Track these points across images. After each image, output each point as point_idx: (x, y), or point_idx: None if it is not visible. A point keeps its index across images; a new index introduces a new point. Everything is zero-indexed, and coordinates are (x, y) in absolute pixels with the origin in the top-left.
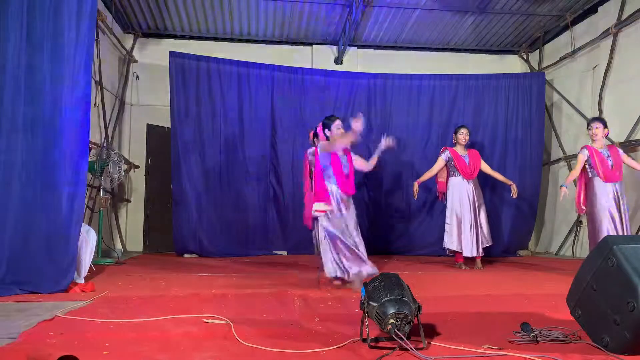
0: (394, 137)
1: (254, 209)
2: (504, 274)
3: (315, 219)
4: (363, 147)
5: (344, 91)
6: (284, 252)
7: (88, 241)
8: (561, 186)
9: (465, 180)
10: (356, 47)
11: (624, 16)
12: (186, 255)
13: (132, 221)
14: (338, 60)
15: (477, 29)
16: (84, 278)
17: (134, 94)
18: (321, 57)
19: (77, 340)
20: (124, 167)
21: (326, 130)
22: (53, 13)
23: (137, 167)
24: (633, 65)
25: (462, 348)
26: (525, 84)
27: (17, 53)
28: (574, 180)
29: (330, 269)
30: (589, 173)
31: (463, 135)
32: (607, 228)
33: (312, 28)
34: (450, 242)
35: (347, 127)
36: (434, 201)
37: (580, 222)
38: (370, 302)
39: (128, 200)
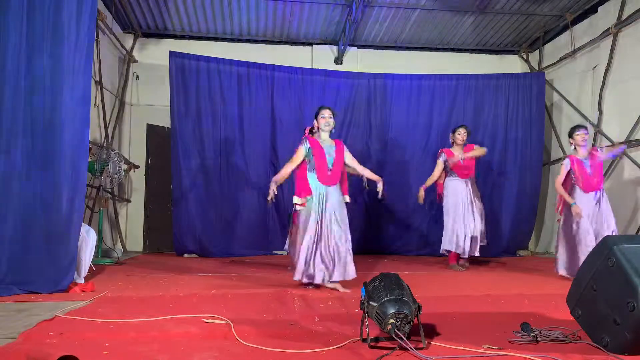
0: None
1: (254, 209)
2: (504, 274)
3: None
4: (362, 146)
5: (344, 91)
6: (284, 252)
7: (88, 241)
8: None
9: (461, 180)
10: (356, 47)
11: (624, 16)
12: (186, 255)
13: (132, 221)
14: (338, 60)
15: (477, 29)
16: (84, 278)
17: (134, 94)
18: (321, 57)
19: (77, 340)
20: (124, 167)
21: (314, 121)
22: (53, 13)
23: (137, 167)
24: (633, 65)
25: (462, 348)
26: (525, 84)
27: (17, 53)
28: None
29: (298, 270)
30: (572, 180)
31: (461, 135)
32: (589, 235)
33: (312, 28)
34: (446, 242)
35: (347, 127)
36: (434, 201)
37: None
38: (370, 302)
39: (128, 200)
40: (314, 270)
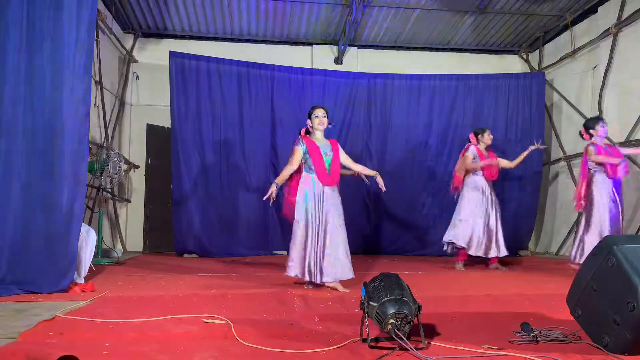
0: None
1: (254, 209)
2: (504, 274)
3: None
4: (362, 146)
5: (344, 91)
6: (284, 252)
7: (88, 241)
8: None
9: (485, 180)
10: (356, 47)
11: (624, 16)
12: (186, 255)
13: (132, 221)
14: (338, 60)
15: (477, 29)
16: (84, 278)
17: (134, 94)
18: (321, 57)
19: (77, 340)
20: (124, 167)
21: (307, 121)
22: (53, 13)
23: (137, 167)
24: (633, 65)
25: (462, 348)
26: (525, 84)
27: (17, 53)
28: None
29: (292, 267)
30: (592, 169)
31: (491, 137)
32: (606, 215)
33: (312, 28)
34: (455, 236)
35: (347, 127)
36: (434, 201)
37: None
38: (370, 302)
39: (128, 200)
40: (312, 270)
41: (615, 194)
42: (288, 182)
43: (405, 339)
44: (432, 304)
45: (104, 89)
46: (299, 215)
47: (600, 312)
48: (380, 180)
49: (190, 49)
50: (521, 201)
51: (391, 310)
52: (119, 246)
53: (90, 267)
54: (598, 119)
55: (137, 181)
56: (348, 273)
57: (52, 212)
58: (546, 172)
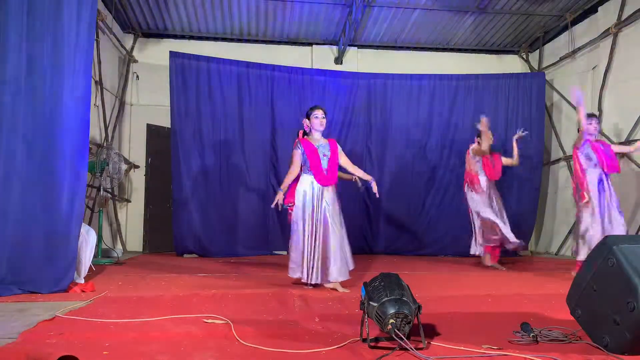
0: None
1: (254, 209)
2: (504, 274)
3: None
4: (362, 146)
5: (344, 91)
6: (284, 252)
7: (88, 241)
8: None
9: (488, 180)
10: (356, 47)
11: (624, 16)
12: (186, 255)
13: (132, 221)
14: (338, 60)
15: (477, 29)
16: (84, 278)
17: (134, 94)
18: (321, 57)
19: (77, 340)
20: (124, 167)
21: (305, 120)
22: (53, 13)
23: (137, 167)
24: (633, 65)
25: (462, 348)
26: (525, 84)
27: (17, 53)
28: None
29: (293, 269)
30: (584, 165)
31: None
32: (596, 212)
33: (312, 28)
34: (480, 239)
35: (347, 127)
36: (434, 201)
37: None
38: (370, 302)
39: (128, 200)
40: (312, 271)
41: (606, 186)
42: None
43: (405, 339)
44: (432, 304)
45: (104, 89)
46: (297, 216)
47: (600, 312)
48: (374, 186)
49: (190, 49)
50: (521, 201)
51: (391, 310)
52: (119, 246)
53: (90, 267)
54: (588, 115)
55: (137, 181)
56: (346, 274)
57: (52, 212)
58: (546, 172)
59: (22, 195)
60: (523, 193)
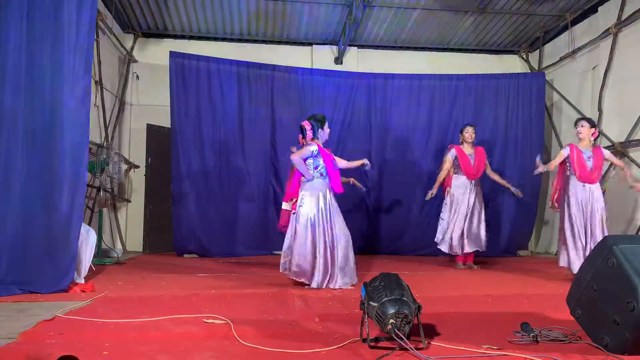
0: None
1: (254, 209)
2: (504, 274)
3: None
4: (362, 146)
5: (344, 91)
6: None
7: (88, 241)
8: (538, 160)
9: (468, 180)
10: (356, 47)
11: (624, 16)
12: (186, 255)
13: (132, 221)
14: (338, 60)
15: (477, 29)
16: (84, 278)
17: (134, 94)
18: (321, 57)
19: (77, 340)
20: (124, 167)
21: (319, 131)
22: (53, 14)
23: (137, 167)
24: (633, 65)
25: (462, 348)
26: (525, 84)
27: (17, 53)
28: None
29: (295, 272)
30: (567, 171)
31: (469, 133)
32: (568, 227)
33: (312, 28)
34: (441, 241)
35: (347, 127)
36: (434, 201)
37: None
38: (370, 302)
39: (128, 200)
40: (316, 274)
41: (590, 199)
42: (287, 188)
43: (405, 339)
44: (432, 304)
45: (104, 89)
46: (307, 222)
47: (600, 312)
48: (367, 163)
49: (190, 49)
50: (521, 201)
51: (391, 310)
52: (119, 246)
53: (90, 267)
54: (579, 118)
55: (137, 181)
56: (355, 277)
57: (52, 212)
58: (546, 172)
59: (22, 195)
60: (523, 193)
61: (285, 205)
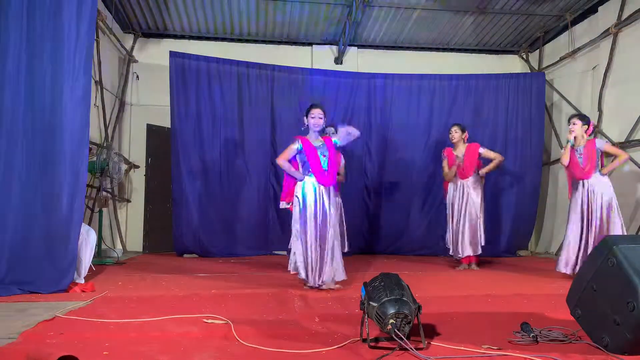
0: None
1: (254, 209)
2: (504, 274)
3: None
4: (362, 146)
5: (344, 91)
6: (284, 252)
7: (88, 241)
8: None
9: (460, 180)
10: (356, 47)
11: (624, 16)
12: (186, 255)
13: (132, 221)
14: (338, 60)
15: (477, 29)
16: (84, 278)
17: (134, 94)
18: (321, 57)
19: (77, 340)
20: (124, 167)
21: (304, 118)
22: (53, 13)
23: (137, 167)
24: (633, 65)
25: (462, 348)
26: (525, 84)
27: (18, 53)
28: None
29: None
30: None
31: (452, 133)
32: (573, 223)
33: (312, 28)
34: (448, 243)
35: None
36: (434, 201)
37: None
38: (370, 302)
39: (128, 200)
40: (312, 272)
41: (590, 198)
42: (284, 186)
43: (405, 339)
44: (432, 304)
45: (104, 89)
46: (298, 217)
47: (600, 312)
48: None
49: (190, 49)
50: (521, 201)
51: (391, 310)
52: (119, 246)
53: (90, 267)
54: (572, 115)
55: (137, 181)
56: (342, 274)
57: (52, 212)
58: (546, 172)
59: (22, 195)
60: (523, 193)
61: (282, 205)
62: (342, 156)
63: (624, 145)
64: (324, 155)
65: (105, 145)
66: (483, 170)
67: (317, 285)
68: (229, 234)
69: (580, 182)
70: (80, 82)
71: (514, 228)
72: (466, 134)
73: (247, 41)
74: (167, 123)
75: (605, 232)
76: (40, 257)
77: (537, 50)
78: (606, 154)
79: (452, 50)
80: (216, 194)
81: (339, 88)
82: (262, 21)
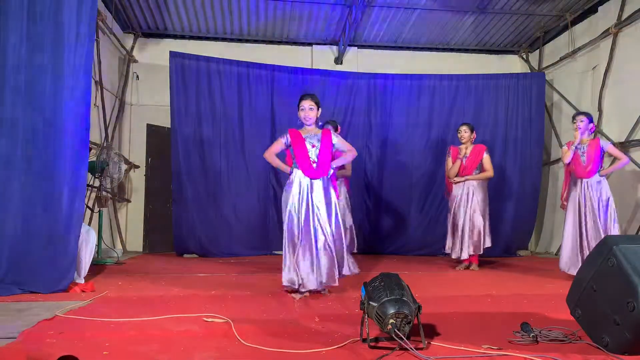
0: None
1: (254, 209)
2: (504, 274)
3: None
4: (362, 146)
5: (344, 91)
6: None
7: (88, 241)
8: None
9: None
10: (356, 47)
11: (624, 16)
12: (186, 255)
13: (132, 221)
14: (338, 60)
15: (477, 29)
16: (84, 278)
17: (134, 94)
18: (321, 57)
19: (77, 340)
20: (124, 167)
21: (298, 112)
22: (53, 13)
23: (137, 167)
24: (633, 65)
25: (462, 348)
26: (525, 84)
27: (18, 54)
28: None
29: (285, 276)
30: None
31: (461, 133)
32: (570, 223)
33: (312, 28)
34: (447, 245)
35: (347, 127)
36: (434, 201)
37: None
38: (370, 302)
39: (128, 200)
40: (297, 276)
41: (587, 196)
42: None
43: (405, 339)
44: (432, 304)
45: (104, 89)
46: (285, 216)
47: (600, 312)
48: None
49: (190, 49)
50: (521, 201)
51: (391, 310)
52: (119, 246)
53: (90, 267)
54: (578, 113)
55: (137, 181)
56: (331, 280)
57: (52, 212)
58: (546, 172)
59: (22, 196)
60: (523, 193)
61: None
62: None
63: (624, 145)
64: (313, 146)
65: (105, 145)
66: (469, 177)
67: (296, 288)
68: (229, 234)
69: (579, 181)
70: (80, 82)
71: (514, 228)
72: (474, 134)
73: (247, 41)
74: (167, 123)
75: (603, 232)
76: (40, 257)
77: (537, 50)
78: (608, 155)
79: (452, 50)
80: (216, 194)
81: (339, 88)
82: (262, 21)
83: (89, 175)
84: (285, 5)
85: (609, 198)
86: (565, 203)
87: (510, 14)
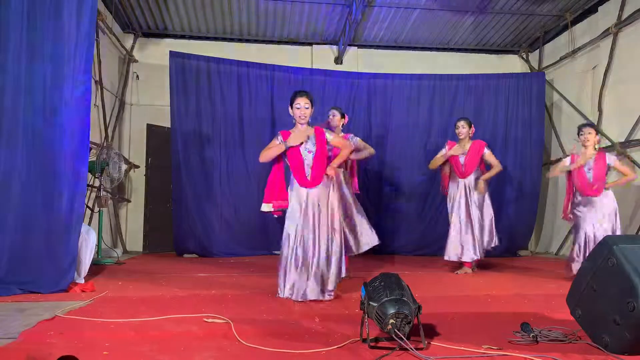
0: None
1: (254, 209)
2: (504, 274)
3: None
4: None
5: (344, 91)
6: None
7: (88, 241)
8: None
9: (460, 180)
10: (356, 47)
11: (624, 16)
12: (186, 255)
13: (132, 221)
14: (338, 60)
15: (477, 29)
16: (84, 278)
17: (134, 94)
18: (321, 57)
19: (77, 340)
20: (124, 167)
21: (289, 108)
22: (53, 13)
23: (137, 167)
24: (633, 65)
25: (462, 348)
26: (525, 84)
27: (18, 53)
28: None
29: (280, 287)
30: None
31: (459, 128)
32: (579, 236)
33: (312, 28)
34: (446, 249)
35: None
36: (434, 201)
37: None
38: (370, 302)
39: (128, 200)
40: (288, 286)
41: (592, 212)
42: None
43: (405, 339)
44: (432, 304)
45: (104, 89)
46: (287, 228)
47: (600, 312)
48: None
49: (190, 49)
50: (521, 201)
51: (391, 310)
52: (119, 246)
53: (90, 267)
54: (584, 124)
55: (137, 181)
56: (326, 288)
57: (52, 212)
58: (546, 172)
59: (22, 195)
60: (523, 193)
61: (264, 208)
62: (351, 136)
63: (624, 145)
64: (310, 152)
65: (105, 145)
66: (483, 177)
67: (286, 296)
68: (229, 234)
69: (586, 198)
70: (80, 81)
71: (514, 228)
72: (472, 129)
73: (247, 41)
74: (167, 123)
75: None
76: (40, 257)
77: (537, 50)
78: (613, 169)
79: (452, 50)
80: (216, 194)
81: (339, 88)
82: (262, 21)
83: (89, 175)
84: (285, 5)
85: (615, 208)
86: (570, 216)
87: (510, 14)
